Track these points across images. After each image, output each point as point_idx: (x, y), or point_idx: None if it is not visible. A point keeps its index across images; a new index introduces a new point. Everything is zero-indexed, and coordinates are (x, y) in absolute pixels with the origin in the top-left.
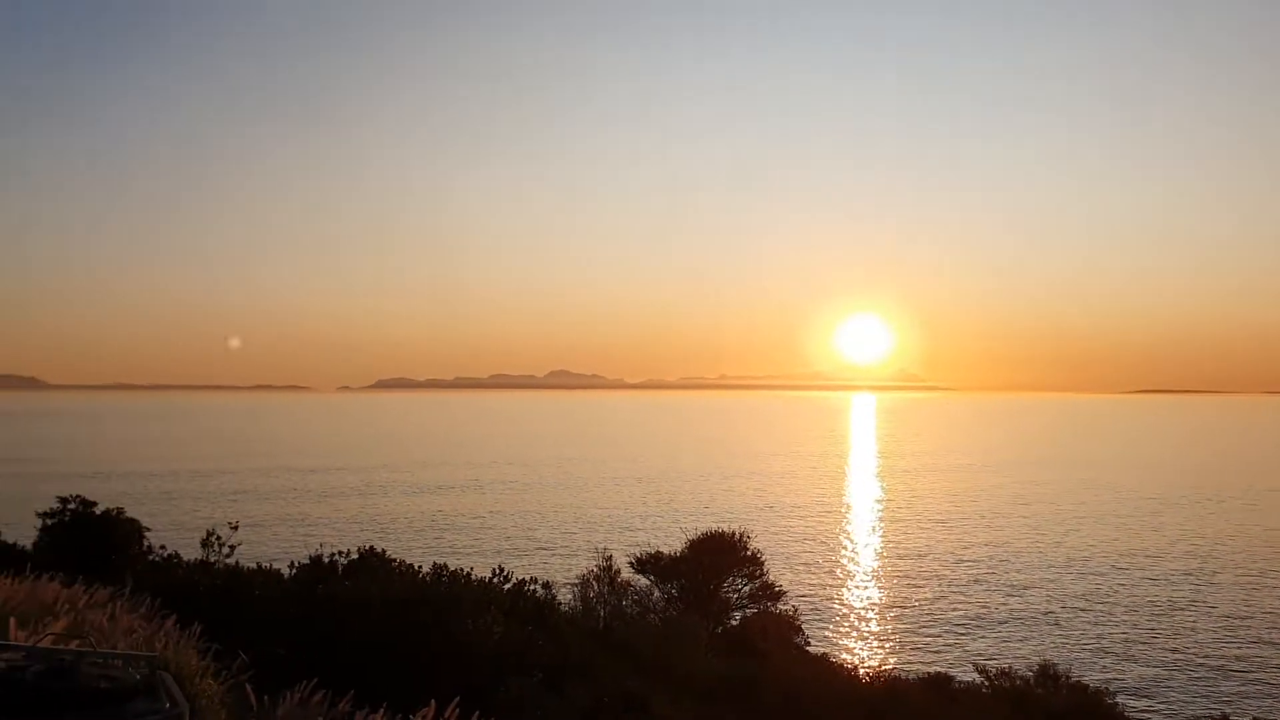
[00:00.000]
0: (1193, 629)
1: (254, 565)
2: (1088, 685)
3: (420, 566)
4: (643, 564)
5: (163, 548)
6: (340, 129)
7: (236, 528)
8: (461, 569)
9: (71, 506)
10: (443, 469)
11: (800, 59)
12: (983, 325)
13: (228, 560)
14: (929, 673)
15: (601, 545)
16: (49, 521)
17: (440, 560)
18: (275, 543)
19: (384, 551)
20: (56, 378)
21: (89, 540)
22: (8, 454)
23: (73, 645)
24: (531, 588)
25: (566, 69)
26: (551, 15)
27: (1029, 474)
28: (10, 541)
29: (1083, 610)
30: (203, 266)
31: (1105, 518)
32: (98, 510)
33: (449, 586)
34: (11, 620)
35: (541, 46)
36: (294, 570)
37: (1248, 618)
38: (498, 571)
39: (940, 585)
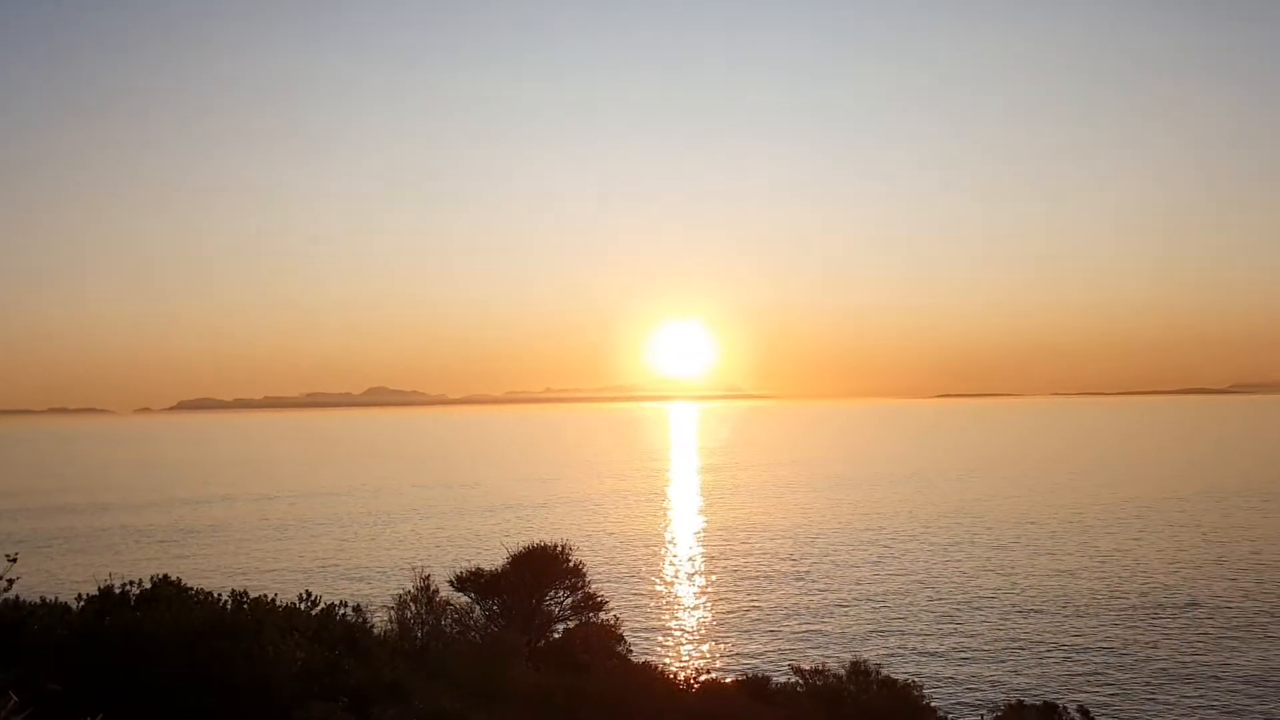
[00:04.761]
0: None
1: (38, 599)
2: (897, 680)
3: (220, 594)
4: (463, 581)
5: None
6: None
7: (15, 559)
8: (265, 595)
9: None
10: (244, 502)
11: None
12: (813, 335)
13: (5, 595)
14: (749, 674)
15: (420, 565)
16: None
17: (240, 587)
18: (63, 575)
19: (179, 580)
20: None
21: None
22: None
23: None
24: (341, 611)
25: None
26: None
27: (833, 471)
28: None
29: (886, 603)
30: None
31: (918, 514)
32: None
33: (250, 614)
34: None
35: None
36: (81, 603)
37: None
38: (304, 596)
39: (763, 586)
